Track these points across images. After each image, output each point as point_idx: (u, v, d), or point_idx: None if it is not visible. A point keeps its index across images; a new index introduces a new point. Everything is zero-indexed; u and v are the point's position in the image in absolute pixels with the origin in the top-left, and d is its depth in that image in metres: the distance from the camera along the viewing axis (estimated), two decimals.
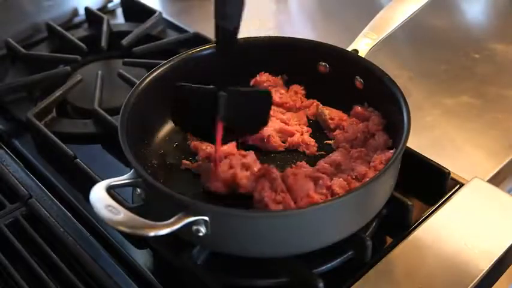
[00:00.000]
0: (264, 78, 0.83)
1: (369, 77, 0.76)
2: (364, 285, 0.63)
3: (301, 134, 0.77)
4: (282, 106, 0.82)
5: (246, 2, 0.60)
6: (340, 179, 0.67)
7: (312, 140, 0.77)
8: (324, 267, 0.65)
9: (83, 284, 0.65)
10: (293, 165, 0.72)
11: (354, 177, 0.68)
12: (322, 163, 0.71)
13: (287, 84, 0.84)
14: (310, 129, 0.79)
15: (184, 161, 0.74)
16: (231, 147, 0.73)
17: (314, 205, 0.61)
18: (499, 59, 1.03)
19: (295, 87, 0.84)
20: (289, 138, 0.77)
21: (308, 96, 0.84)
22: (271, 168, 0.68)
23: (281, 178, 0.67)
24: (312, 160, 0.74)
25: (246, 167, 0.69)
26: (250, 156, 0.71)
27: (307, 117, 0.82)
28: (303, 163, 0.72)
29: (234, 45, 0.64)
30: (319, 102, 0.82)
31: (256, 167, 0.70)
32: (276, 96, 0.82)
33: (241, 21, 0.61)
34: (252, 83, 0.83)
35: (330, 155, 0.73)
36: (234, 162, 0.69)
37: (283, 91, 0.83)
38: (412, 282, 0.64)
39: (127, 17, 1.19)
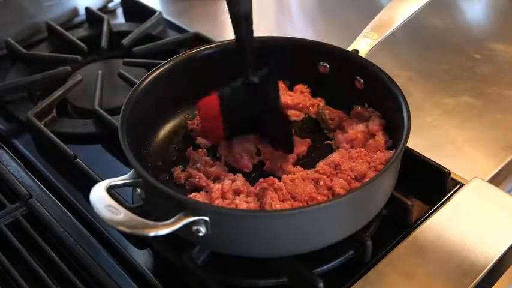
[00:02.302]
0: None
1: (369, 77, 0.76)
2: (364, 285, 0.63)
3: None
4: (294, 108, 0.81)
5: None
6: (341, 179, 0.67)
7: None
8: (324, 267, 0.65)
9: (83, 284, 0.65)
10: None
11: (353, 177, 0.68)
12: (321, 164, 0.71)
13: (290, 87, 0.84)
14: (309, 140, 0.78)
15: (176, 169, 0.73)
16: (219, 168, 0.72)
17: (314, 205, 0.61)
18: (499, 59, 1.03)
19: (300, 87, 0.83)
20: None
21: None
22: (273, 178, 0.67)
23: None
24: (311, 161, 0.74)
25: (237, 192, 0.66)
26: (240, 180, 0.68)
27: (309, 116, 0.82)
28: (297, 168, 0.72)
29: (251, 34, 0.68)
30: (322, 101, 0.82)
31: (247, 189, 0.67)
32: (287, 99, 0.81)
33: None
34: None
35: (329, 156, 0.73)
36: (225, 188, 0.67)
37: (291, 93, 0.83)
38: (412, 283, 0.64)
39: (127, 17, 1.19)
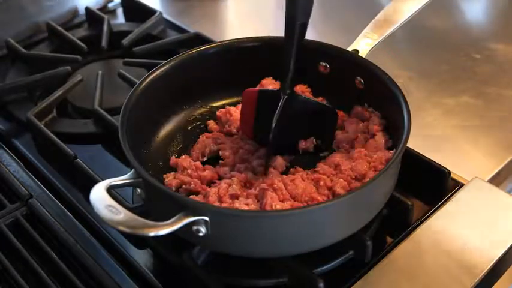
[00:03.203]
0: (268, 82, 0.82)
1: (369, 77, 0.76)
2: (364, 285, 0.63)
3: None
4: None
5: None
6: (341, 179, 0.67)
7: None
8: (324, 267, 0.65)
9: (82, 284, 0.65)
10: (289, 170, 0.72)
11: (353, 177, 0.68)
12: (321, 164, 0.71)
13: None
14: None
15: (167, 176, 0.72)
16: (211, 172, 0.71)
17: (314, 205, 0.61)
18: (499, 59, 1.03)
19: (301, 87, 0.83)
20: None
21: None
22: (272, 179, 0.67)
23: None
24: (311, 162, 0.74)
25: (235, 197, 0.66)
26: (236, 183, 0.67)
27: None
28: (297, 168, 0.72)
29: (302, 39, 0.67)
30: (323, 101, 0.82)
31: (244, 192, 0.67)
32: None
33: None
34: (257, 87, 0.82)
35: (329, 156, 0.73)
36: (222, 192, 0.66)
37: None
38: (412, 283, 0.64)
39: (127, 17, 1.19)
